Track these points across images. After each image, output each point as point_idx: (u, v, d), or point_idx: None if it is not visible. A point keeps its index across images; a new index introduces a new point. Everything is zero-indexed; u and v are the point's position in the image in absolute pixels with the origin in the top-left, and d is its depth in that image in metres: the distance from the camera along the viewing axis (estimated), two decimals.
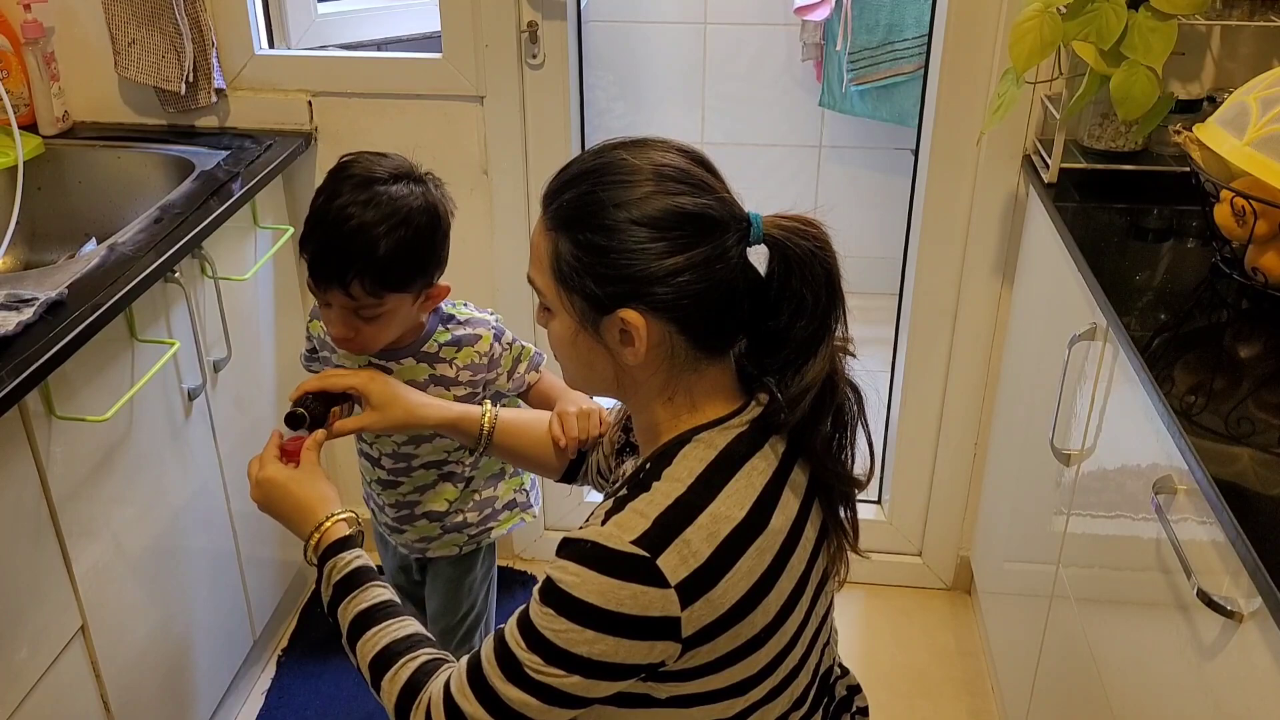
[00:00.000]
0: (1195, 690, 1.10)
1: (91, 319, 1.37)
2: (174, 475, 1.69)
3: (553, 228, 0.98)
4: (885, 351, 2.31)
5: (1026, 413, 1.85)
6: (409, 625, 1.09)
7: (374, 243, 1.29)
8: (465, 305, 1.50)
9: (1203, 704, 1.08)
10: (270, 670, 2.10)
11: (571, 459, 1.38)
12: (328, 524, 1.17)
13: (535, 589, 0.97)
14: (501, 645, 0.98)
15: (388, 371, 1.42)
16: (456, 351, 1.46)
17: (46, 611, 1.39)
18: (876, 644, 2.19)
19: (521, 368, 1.50)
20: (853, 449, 1.10)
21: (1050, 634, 1.63)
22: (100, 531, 1.50)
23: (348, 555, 1.14)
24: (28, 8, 1.88)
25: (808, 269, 0.98)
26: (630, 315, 0.95)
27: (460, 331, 1.46)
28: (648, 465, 1.01)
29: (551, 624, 0.94)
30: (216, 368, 1.79)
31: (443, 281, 1.44)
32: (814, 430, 1.03)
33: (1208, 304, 1.43)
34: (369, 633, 1.08)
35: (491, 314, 1.51)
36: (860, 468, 1.11)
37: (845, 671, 1.25)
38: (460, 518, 1.56)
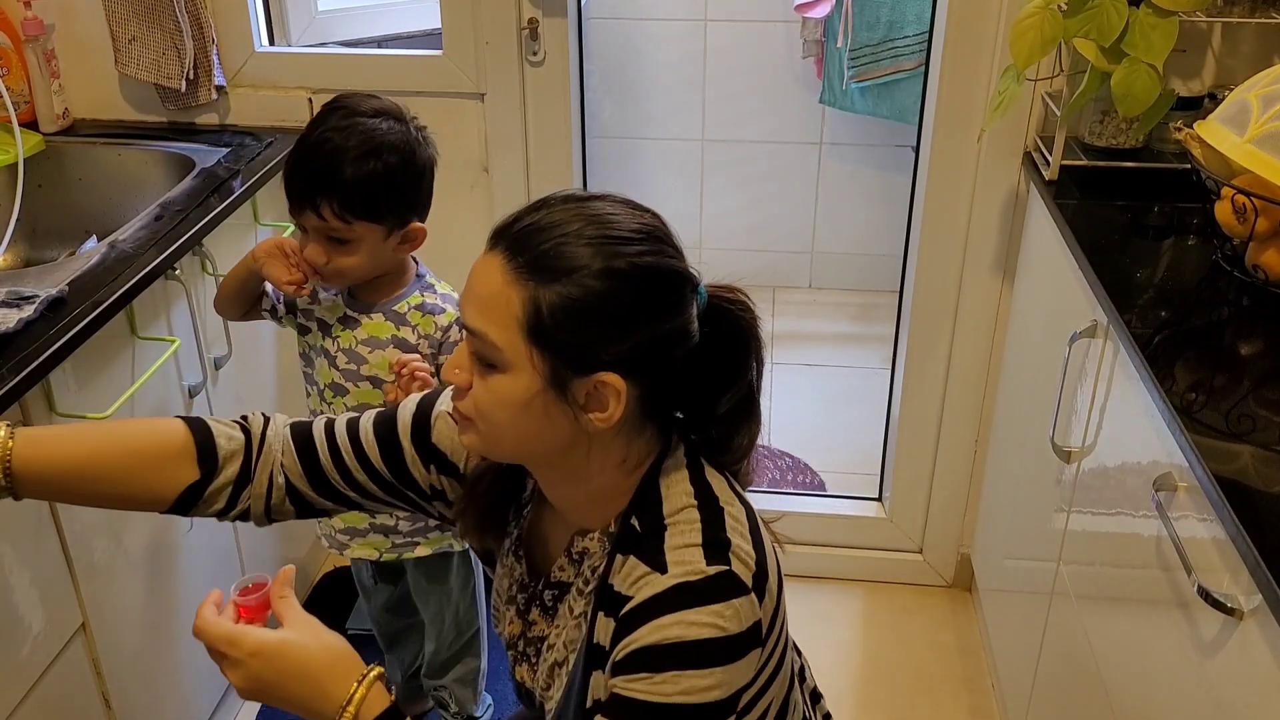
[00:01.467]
0: (1195, 687, 1.10)
1: (92, 316, 1.37)
2: None
3: (529, 278, 0.88)
4: (886, 349, 2.31)
5: (1027, 410, 1.85)
6: None
7: (341, 166, 1.35)
8: (450, 287, 1.54)
9: (1203, 701, 1.09)
10: None
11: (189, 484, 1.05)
12: (360, 695, 0.92)
13: (625, 684, 0.89)
14: None
15: (355, 324, 1.48)
16: (421, 317, 1.50)
17: (47, 609, 1.39)
18: (877, 641, 2.19)
19: None
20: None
21: (1051, 631, 1.63)
22: (101, 529, 1.50)
23: None
24: (28, 5, 1.88)
25: (744, 338, 0.98)
26: (611, 378, 0.89)
27: (430, 300, 1.50)
28: (630, 521, 0.96)
29: (670, 688, 0.87)
30: (217, 365, 1.79)
31: (442, 286, 1.46)
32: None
33: (1208, 301, 1.43)
34: None
35: None
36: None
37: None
38: (391, 521, 1.58)
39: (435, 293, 1.51)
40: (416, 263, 1.53)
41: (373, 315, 1.47)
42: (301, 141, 1.40)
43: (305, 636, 0.94)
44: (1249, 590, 0.98)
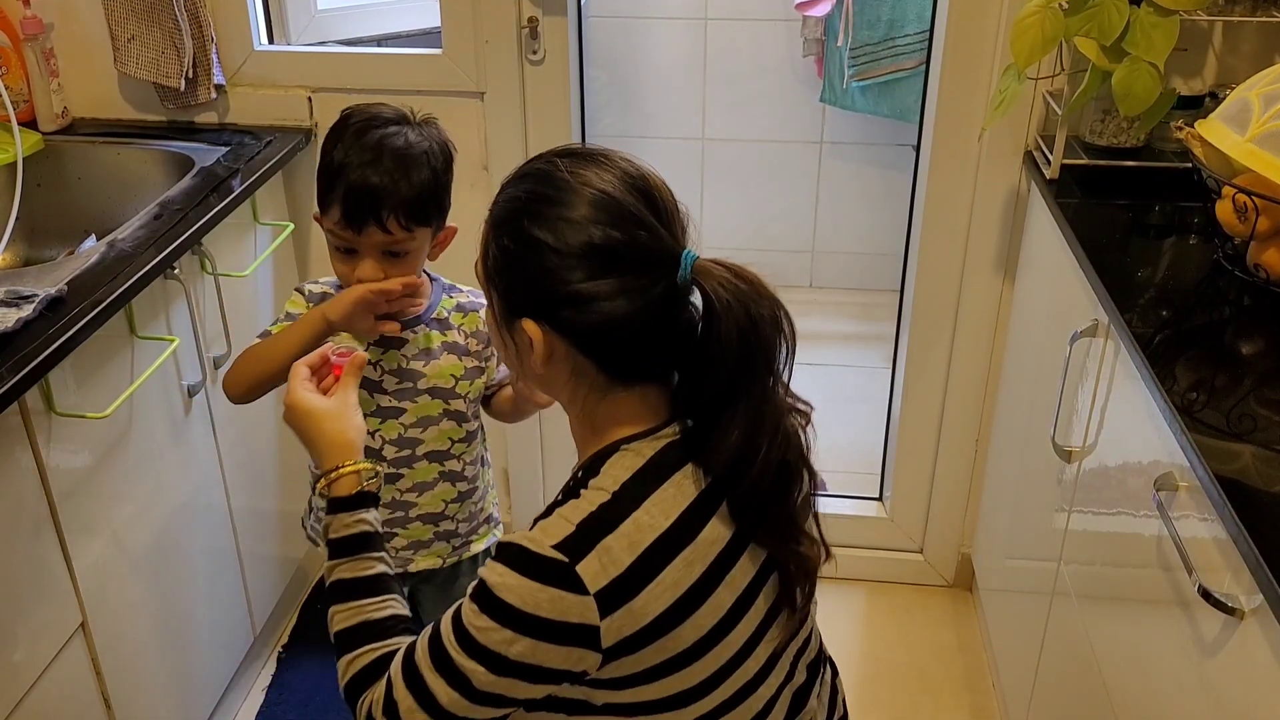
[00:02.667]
0: (1196, 687, 1.10)
1: (91, 316, 1.37)
2: (174, 472, 1.68)
3: (489, 221, 1.01)
4: (887, 348, 2.31)
5: (1028, 409, 1.85)
6: (388, 606, 1.07)
7: (407, 175, 1.34)
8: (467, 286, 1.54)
9: (1204, 701, 1.08)
10: (271, 666, 2.10)
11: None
12: (336, 475, 1.13)
13: (470, 586, 0.97)
14: (434, 635, 0.98)
15: (403, 341, 1.44)
16: (464, 317, 1.48)
17: (47, 608, 1.39)
18: (878, 641, 2.19)
19: None
20: (815, 525, 1.06)
21: (1051, 631, 1.63)
22: (100, 528, 1.50)
23: (349, 518, 1.11)
24: (27, 4, 1.88)
25: (725, 324, 0.93)
26: (529, 326, 0.96)
27: (464, 299, 1.49)
28: (578, 474, 1.01)
29: (475, 620, 0.94)
30: (216, 364, 1.78)
31: (463, 285, 1.46)
32: (738, 492, 0.98)
33: (1209, 301, 1.43)
34: (347, 605, 1.07)
35: None
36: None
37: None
38: (452, 525, 1.56)
39: (462, 291, 1.51)
40: (425, 271, 1.52)
41: (416, 330, 1.45)
42: (345, 159, 1.35)
43: (330, 414, 1.17)
44: (1250, 590, 0.98)
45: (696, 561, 0.96)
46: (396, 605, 1.08)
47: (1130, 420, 1.34)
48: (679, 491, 0.96)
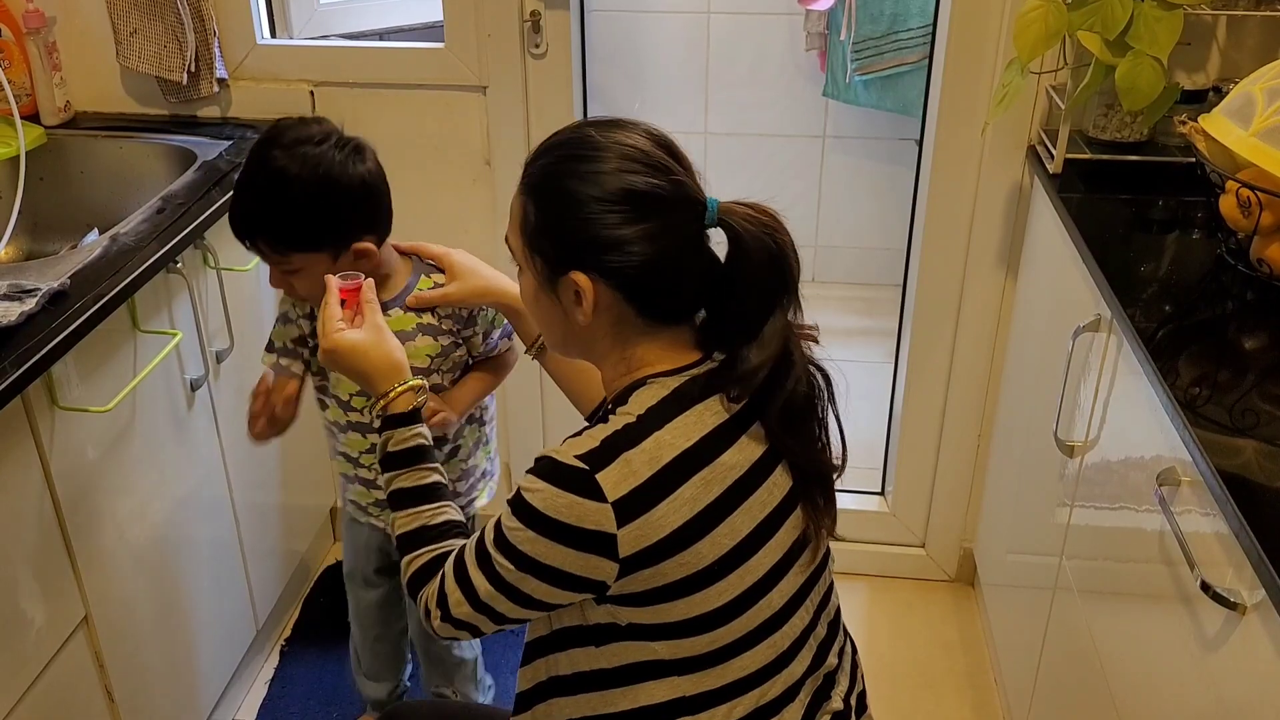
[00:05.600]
0: (1198, 682, 1.10)
1: (94, 309, 1.37)
2: (177, 466, 1.69)
3: (523, 192, 1.06)
4: (889, 343, 2.31)
5: (1030, 404, 1.85)
6: (443, 513, 1.18)
7: (273, 201, 1.38)
8: None
9: (1205, 696, 1.08)
10: (274, 660, 2.11)
11: None
12: (393, 395, 1.23)
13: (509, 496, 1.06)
14: (479, 537, 1.08)
15: None
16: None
17: (50, 602, 1.39)
18: (879, 636, 2.19)
19: (496, 333, 1.55)
20: (826, 434, 1.13)
21: (1053, 626, 1.63)
22: (103, 522, 1.50)
23: (405, 432, 1.22)
24: None
25: (755, 253, 1.03)
26: (580, 278, 1.02)
27: (440, 279, 1.49)
28: (608, 405, 1.08)
29: (507, 521, 1.03)
30: (219, 358, 1.79)
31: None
32: (771, 408, 1.06)
33: (1212, 296, 1.43)
34: (406, 511, 1.19)
35: None
36: (839, 451, 1.15)
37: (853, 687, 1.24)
38: (450, 487, 1.58)
39: (439, 272, 1.50)
40: (410, 255, 1.52)
41: (389, 312, 1.46)
42: (239, 175, 1.43)
43: (371, 342, 1.24)
44: (1252, 585, 0.98)
45: (714, 483, 1.02)
46: (451, 511, 1.20)
47: (1132, 415, 1.34)
48: (700, 419, 1.03)
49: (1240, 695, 1.01)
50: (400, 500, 1.20)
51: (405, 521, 1.18)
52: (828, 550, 1.14)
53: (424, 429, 1.23)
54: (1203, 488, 1.06)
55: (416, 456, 1.21)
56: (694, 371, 1.06)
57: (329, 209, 1.38)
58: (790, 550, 1.08)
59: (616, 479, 0.98)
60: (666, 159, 1.03)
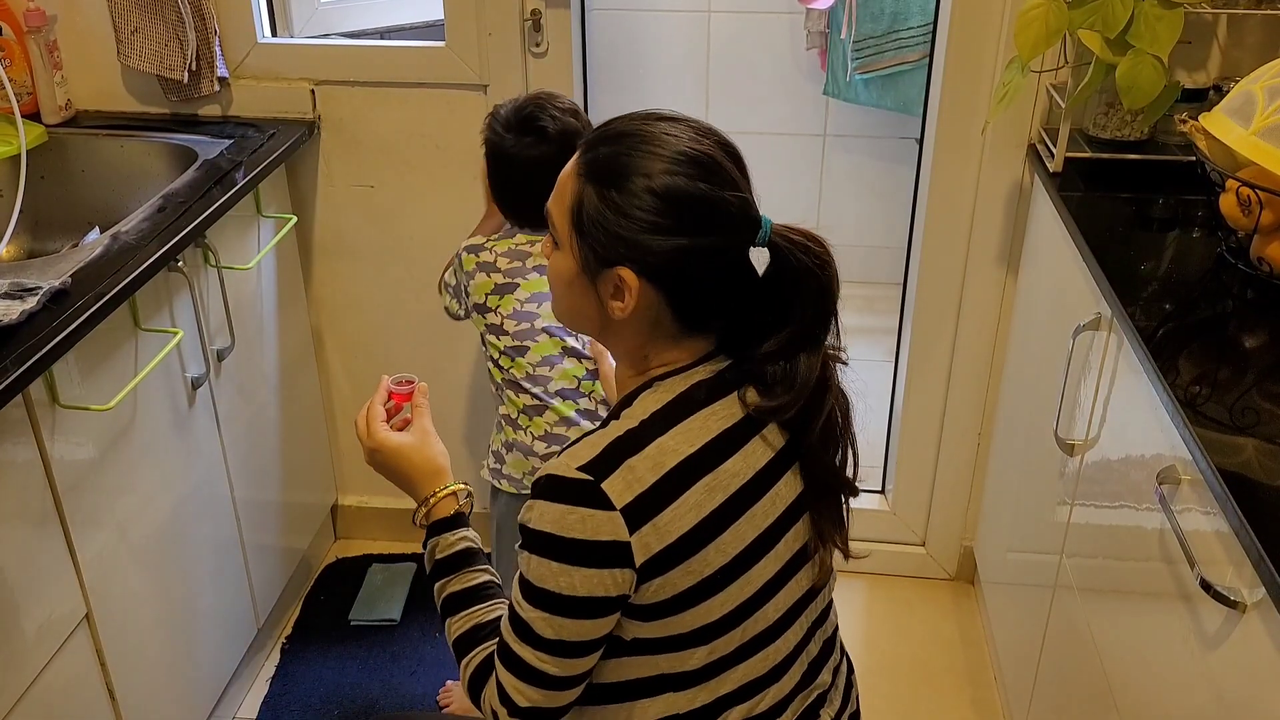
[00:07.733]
0: (1198, 680, 1.10)
1: (95, 308, 1.37)
2: (178, 464, 1.69)
3: (583, 174, 1.02)
4: (889, 341, 2.31)
5: (1030, 403, 1.85)
6: (495, 610, 1.13)
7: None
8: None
9: (1205, 694, 1.09)
10: (274, 657, 2.11)
11: None
12: (434, 500, 1.19)
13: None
14: (510, 607, 1.04)
15: (513, 288, 1.67)
16: None
17: (51, 600, 1.39)
18: (879, 634, 2.19)
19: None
20: (845, 454, 1.13)
21: (1053, 624, 1.63)
22: (104, 520, 1.50)
23: (451, 537, 1.18)
24: None
25: (802, 282, 1.03)
26: (628, 274, 1.00)
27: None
28: (614, 410, 1.07)
29: (526, 566, 1.00)
30: (220, 357, 1.79)
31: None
32: (811, 430, 1.06)
33: (1212, 294, 1.43)
34: (458, 616, 1.14)
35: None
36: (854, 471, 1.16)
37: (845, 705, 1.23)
38: (529, 440, 1.70)
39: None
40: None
41: (528, 276, 1.64)
42: (521, 151, 1.60)
43: (414, 446, 1.21)
44: (1252, 583, 0.98)
45: (718, 490, 1.01)
46: (504, 608, 1.11)
47: (1133, 413, 1.34)
48: (705, 425, 1.02)
49: (1240, 693, 1.01)
50: (452, 605, 1.15)
51: (459, 625, 1.13)
52: (831, 569, 1.14)
53: (470, 532, 1.19)
54: (1203, 486, 1.07)
55: (464, 560, 1.16)
56: (701, 372, 1.04)
57: None
58: (789, 563, 1.07)
59: (622, 486, 0.97)
60: (733, 170, 1.02)
